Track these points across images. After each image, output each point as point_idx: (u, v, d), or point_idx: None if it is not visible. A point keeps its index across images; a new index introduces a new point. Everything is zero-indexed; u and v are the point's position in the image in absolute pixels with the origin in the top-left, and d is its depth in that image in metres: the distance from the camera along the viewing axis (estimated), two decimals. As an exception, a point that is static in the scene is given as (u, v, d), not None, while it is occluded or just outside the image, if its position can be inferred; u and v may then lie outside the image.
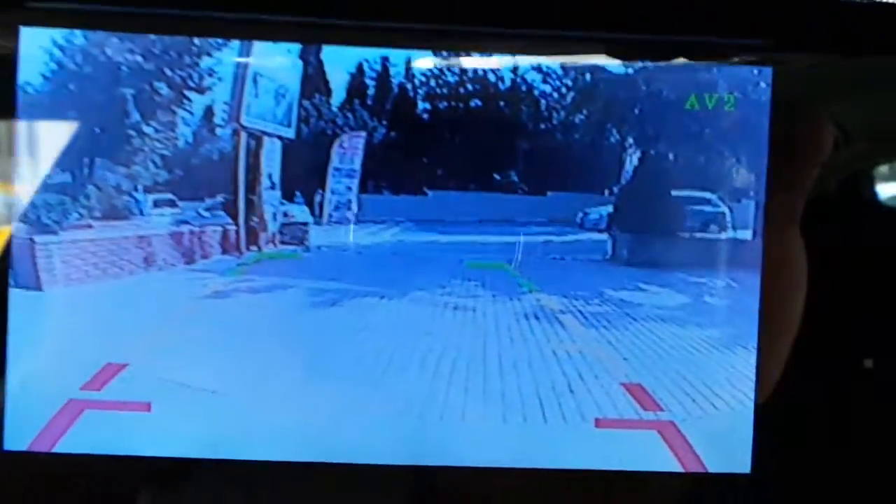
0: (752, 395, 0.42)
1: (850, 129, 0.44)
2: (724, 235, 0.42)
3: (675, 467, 0.42)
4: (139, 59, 0.41)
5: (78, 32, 0.41)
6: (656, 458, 0.42)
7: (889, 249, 0.45)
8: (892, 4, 0.43)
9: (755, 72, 0.42)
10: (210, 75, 0.42)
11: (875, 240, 0.46)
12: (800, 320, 0.42)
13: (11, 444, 0.40)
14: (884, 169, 0.48)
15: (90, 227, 0.41)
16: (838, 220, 0.45)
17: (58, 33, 0.41)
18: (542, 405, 0.42)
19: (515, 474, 0.41)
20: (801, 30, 0.42)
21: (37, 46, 0.40)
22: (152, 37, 0.41)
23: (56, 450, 0.41)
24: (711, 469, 0.42)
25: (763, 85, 0.42)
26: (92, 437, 0.41)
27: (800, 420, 0.42)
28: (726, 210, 0.42)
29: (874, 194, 0.48)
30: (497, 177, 0.42)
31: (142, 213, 0.41)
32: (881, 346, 0.44)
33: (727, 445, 0.42)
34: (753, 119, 0.42)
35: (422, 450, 0.42)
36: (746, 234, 0.42)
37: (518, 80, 0.42)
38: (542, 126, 0.42)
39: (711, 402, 0.42)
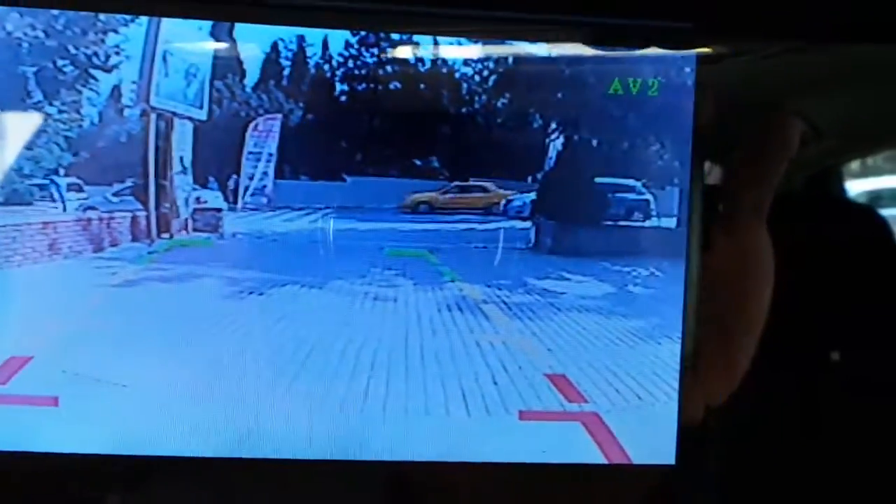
0: (676, 385, 0.41)
1: (819, 125, 0.44)
2: (648, 223, 0.41)
3: (600, 459, 0.41)
4: (41, 34, 0.39)
5: (-26, 7, 0.39)
6: (581, 449, 0.41)
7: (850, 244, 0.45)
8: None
9: (679, 56, 0.41)
10: (117, 53, 0.40)
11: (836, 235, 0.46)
12: (766, 314, 0.42)
13: None
14: (854, 166, 0.48)
15: (-12, 213, 0.39)
16: (803, 216, 0.45)
17: (-47, 8, 0.38)
18: (465, 397, 0.41)
19: (438, 468, 0.40)
20: (726, 14, 0.41)
21: (-70, 21, 0.38)
22: (54, 12, 0.39)
23: (-45, 447, 0.39)
24: (636, 461, 0.41)
25: (687, 69, 0.41)
26: (-4, 434, 0.39)
27: (726, 411, 0.42)
28: (650, 197, 0.41)
29: (841, 190, 0.48)
30: (418, 162, 0.41)
31: (46, 199, 0.39)
32: (842, 338, 0.44)
33: (652, 437, 0.41)
34: (677, 104, 0.41)
35: (343, 443, 0.40)
36: (671, 223, 0.41)
37: (439, 61, 0.41)
38: (464, 110, 0.41)
39: (636, 392, 0.41)
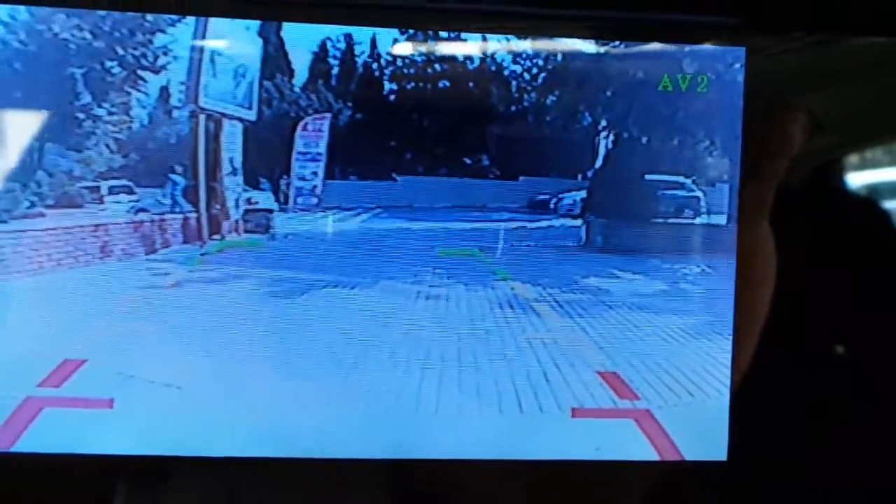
0: (727, 382, 0.41)
1: (822, 119, 0.43)
2: (698, 220, 0.41)
3: (652, 456, 0.41)
4: (88, 35, 0.39)
5: (21, 8, 0.39)
6: (633, 446, 0.41)
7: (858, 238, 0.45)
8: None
9: (728, 52, 0.41)
10: (165, 54, 0.40)
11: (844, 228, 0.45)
12: (769, 309, 0.42)
13: (-36, 445, 0.39)
14: (854, 159, 0.48)
15: (42, 215, 0.39)
16: (808, 210, 0.45)
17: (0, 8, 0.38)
18: (518, 396, 0.41)
19: (492, 467, 0.41)
20: (774, 9, 0.41)
21: (-23, 23, 0.38)
22: (101, 12, 0.39)
23: (15, 449, 0.39)
24: (688, 457, 0.41)
25: (737, 65, 0.41)
26: (52, 435, 0.39)
27: (776, 408, 0.42)
28: (700, 194, 0.41)
29: (844, 184, 0.47)
30: (468, 161, 0.41)
31: (97, 201, 0.39)
32: (851, 332, 0.44)
33: (703, 433, 0.41)
34: (727, 100, 0.41)
35: (395, 443, 0.41)
36: (721, 219, 0.41)
37: (488, 59, 0.40)
38: (514, 108, 0.41)
39: (688, 389, 0.41)
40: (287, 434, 0.40)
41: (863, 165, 0.47)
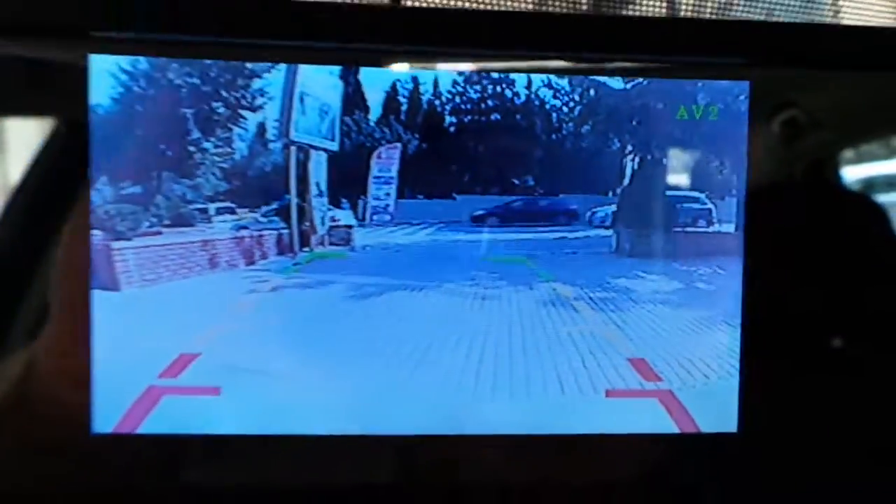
0: (737, 365, 0.49)
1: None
2: (711, 229, 0.49)
3: (673, 429, 0.49)
4: (197, 81, 0.47)
5: (142, 59, 0.46)
6: (657, 422, 0.49)
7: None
8: (853, 27, 0.50)
9: (735, 85, 0.49)
10: (261, 95, 0.47)
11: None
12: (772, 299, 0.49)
13: (99, 428, 0.46)
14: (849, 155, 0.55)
15: (160, 233, 0.47)
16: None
17: (123, 60, 0.46)
18: (560, 380, 0.48)
19: (538, 440, 0.48)
20: (773, 49, 0.49)
21: (105, 72, 0.45)
22: (208, 62, 0.46)
23: (139, 431, 0.46)
24: (704, 429, 0.49)
25: (742, 97, 0.49)
26: (169, 419, 0.46)
27: (779, 387, 0.50)
28: (712, 207, 0.49)
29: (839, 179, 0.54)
30: (516, 181, 0.48)
31: (206, 221, 0.47)
32: (847, 322, 0.52)
33: (717, 409, 0.49)
34: (734, 126, 0.49)
35: (457, 421, 0.48)
36: (730, 228, 0.49)
37: (532, 95, 0.48)
38: (554, 136, 0.48)
39: (703, 372, 0.49)
40: (368, 413, 0.47)
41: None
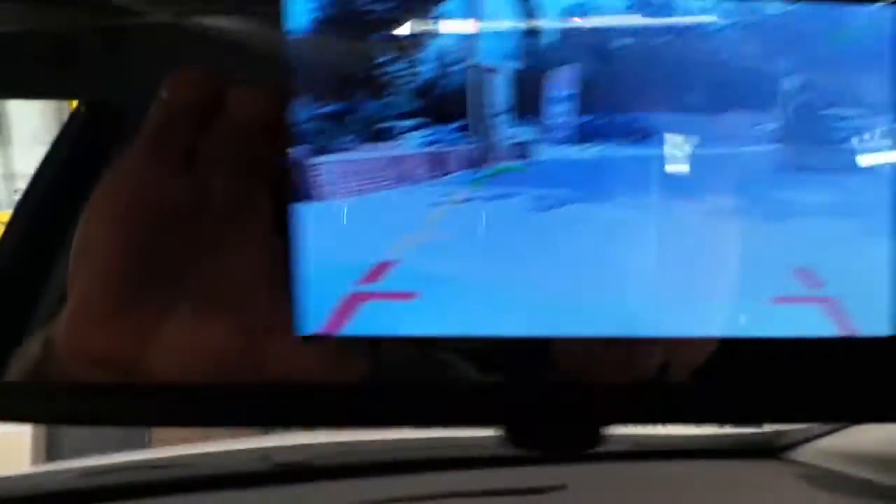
0: (891, 273, 0.52)
1: None
2: (871, 144, 0.52)
3: (835, 332, 0.51)
4: (387, 7, 0.50)
5: (333, -15, 0.49)
6: (821, 326, 0.51)
7: None
8: None
9: (885, 8, 0.52)
10: (445, 17, 0.50)
11: None
12: None
13: (305, 330, 0.49)
14: None
15: (354, 150, 0.50)
16: None
17: (317, -13, 0.49)
18: (729, 287, 0.51)
19: (713, 343, 0.51)
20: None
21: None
22: (395, -9, 0.49)
23: (341, 334, 0.49)
24: (861, 333, 0.52)
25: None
26: (369, 322, 0.49)
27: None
28: (873, 123, 0.51)
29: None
30: (686, 100, 0.51)
31: (396, 138, 0.50)
32: None
33: (873, 313, 0.52)
34: (882, 49, 0.52)
35: (629, 323, 0.51)
36: (889, 143, 0.52)
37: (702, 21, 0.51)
38: (723, 57, 0.51)
39: (863, 279, 0.52)
40: (545, 315, 0.50)
41: None
